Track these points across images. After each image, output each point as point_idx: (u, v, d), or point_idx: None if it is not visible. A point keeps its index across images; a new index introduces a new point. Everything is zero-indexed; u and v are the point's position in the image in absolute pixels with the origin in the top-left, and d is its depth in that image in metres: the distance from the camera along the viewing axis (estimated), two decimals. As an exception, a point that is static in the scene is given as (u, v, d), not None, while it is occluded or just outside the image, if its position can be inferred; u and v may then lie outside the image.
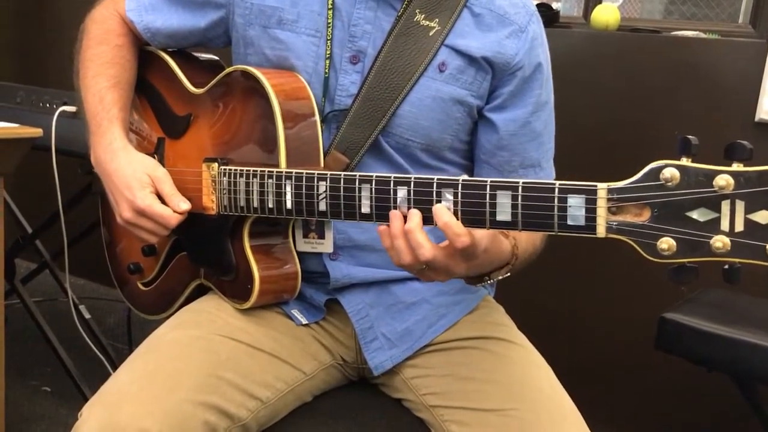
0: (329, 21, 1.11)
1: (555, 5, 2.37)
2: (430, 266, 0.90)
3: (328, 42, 1.11)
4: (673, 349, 1.59)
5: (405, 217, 0.90)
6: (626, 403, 2.18)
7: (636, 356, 2.06)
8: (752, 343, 1.49)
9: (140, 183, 1.11)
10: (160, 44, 1.25)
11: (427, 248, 0.88)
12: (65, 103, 1.83)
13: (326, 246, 1.12)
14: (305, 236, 1.12)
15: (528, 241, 1.07)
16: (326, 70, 1.11)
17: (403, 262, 0.90)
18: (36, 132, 1.53)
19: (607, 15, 2.17)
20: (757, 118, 1.93)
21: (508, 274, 1.01)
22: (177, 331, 1.09)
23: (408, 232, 0.89)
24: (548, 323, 2.06)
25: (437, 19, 1.09)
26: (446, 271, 0.91)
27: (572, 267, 2.15)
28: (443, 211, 0.87)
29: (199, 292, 1.20)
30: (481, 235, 0.89)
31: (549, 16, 2.26)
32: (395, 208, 0.92)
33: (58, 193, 1.77)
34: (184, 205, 1.11)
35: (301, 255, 1.13)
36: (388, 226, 0.91)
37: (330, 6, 1.11)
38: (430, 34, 1.09)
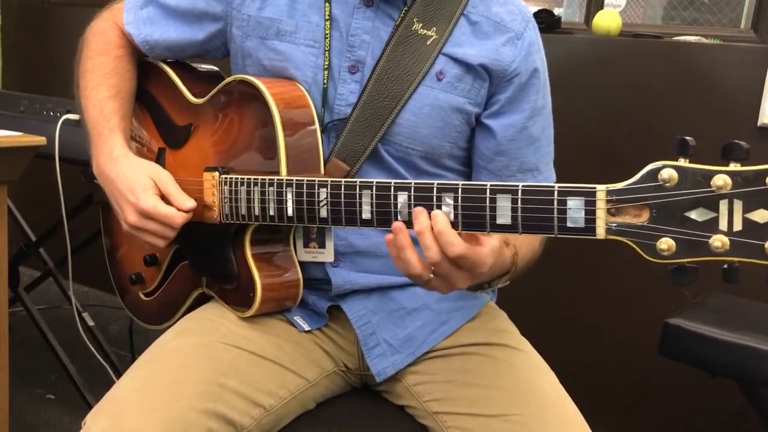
0: (327, 32, 1.11)
1: (556, 11, 2.37)
2: (435, 274, 0.90)
3: (327, 52, 1.11)
4: (677, 355, 1.58)
5: (406, 223, 0.90)
6: (630, 407, 2.17)
7: (639, 360, 2.06)
8: (756, 349, 1.48)
9: (143, 185, 1.10)
10: (159, 56, 1.26)
11: (434, 251, 0.87)
12: (68, 112, 1.83)
13: (327, 255, 1.12)
14: (306, 246, 1.12)
15: (528, 246, 1.07)
16: (325, 81, 1.11)
17: (411, 272, 0.90)
18: (39, 140, 1.54)
19: (608, 21, 2.17)
20: (759, 123, 1.93)
21: (507, 282, 1.02)
22: (180, 339, 1.09)
23: (419, 233, 0.88)
24: (551, 328, 2.06)
25: (435, 28, 1.10)
26: (449, 283, 0.90)
27: (575, 272, 2.15)
28: (438, 219, 0.87)
29: (201, 301, 1.20)
30: (487, 253, 0.88)
31: (550, 22, 2.26)
32: (396, 213, 0.92)
33: (62, 201, 1.77)
34: (190, 203, 1.09)
35: (303, 262, 1.13)
36: (392, 234, 0.90)
37: (327, 17, 1.11)
38: (428, 42, 1.09)
